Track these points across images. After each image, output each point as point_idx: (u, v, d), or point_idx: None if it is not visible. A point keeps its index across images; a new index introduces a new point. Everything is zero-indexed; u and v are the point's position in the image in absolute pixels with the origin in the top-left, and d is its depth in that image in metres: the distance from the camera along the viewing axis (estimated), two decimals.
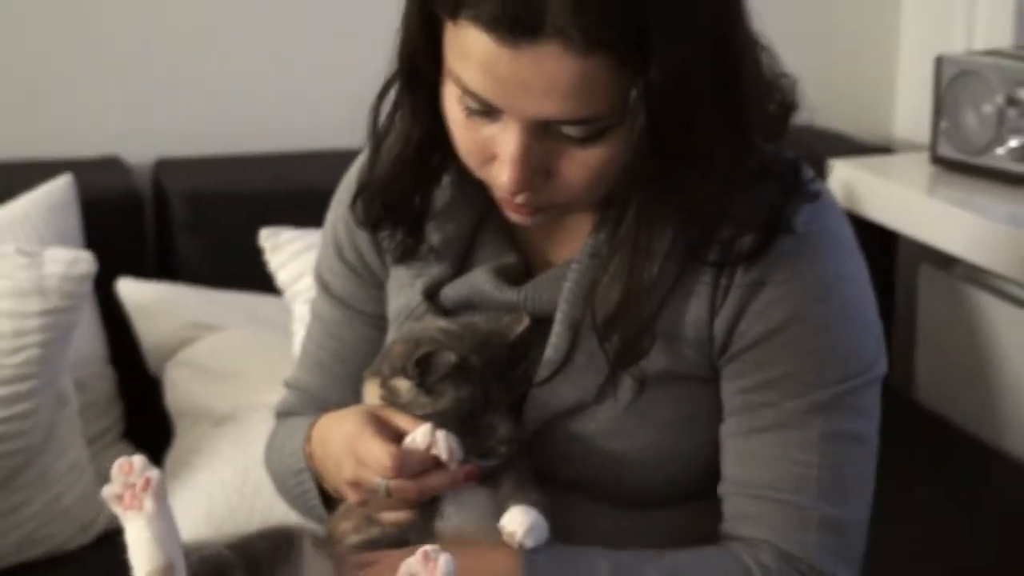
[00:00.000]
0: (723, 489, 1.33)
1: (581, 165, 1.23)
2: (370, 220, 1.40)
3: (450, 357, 1.25)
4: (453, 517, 1.28)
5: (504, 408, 1.28)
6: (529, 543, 1.25)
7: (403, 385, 1.28)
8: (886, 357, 1.34)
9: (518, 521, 1.25)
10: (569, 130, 1.21)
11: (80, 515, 2.12)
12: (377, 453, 1.25)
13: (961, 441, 2.50)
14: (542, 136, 1.21)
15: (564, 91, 1.17)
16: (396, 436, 1.26)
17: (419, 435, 1.25)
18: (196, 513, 2.09)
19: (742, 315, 1.29)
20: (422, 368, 1.26)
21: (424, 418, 1.26)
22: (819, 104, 1.28)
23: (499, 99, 1.20)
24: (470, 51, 1.19)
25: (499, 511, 1.27)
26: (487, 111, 1.22)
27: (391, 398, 1.29)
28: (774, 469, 1.29)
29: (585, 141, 1.21)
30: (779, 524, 1.29)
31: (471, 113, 1.23)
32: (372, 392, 1.32)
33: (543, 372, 1.31)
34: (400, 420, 1.28)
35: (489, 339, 1.29)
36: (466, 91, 1.21)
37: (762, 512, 1.30)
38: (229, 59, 2.54)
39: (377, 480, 1.25)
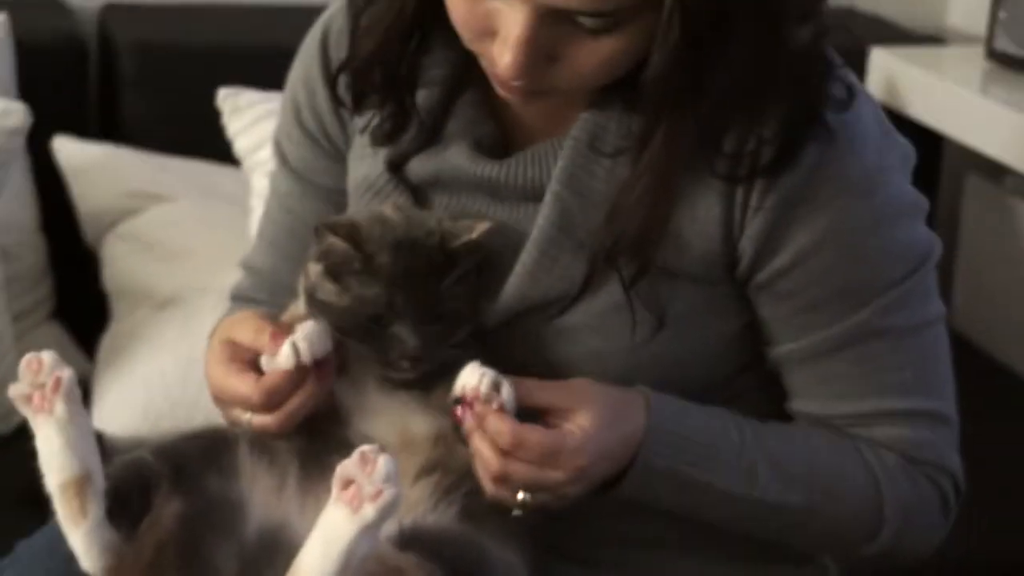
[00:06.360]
0: (815, 413, 1.38)
1: (591, 54, 1.23)
2: (355, 98, 1.40)
3: (336, 242, 1.28)
4: (360, 426, 1.29)
5: (413, 322, 1.28)
6: (503, 396, 1.24)
7: (313, 268, 1.31)
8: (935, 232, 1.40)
9: (478, 375, 1.24)
10: (585, 20, 1.21)
11: None
12: (243, 390, 1.27)
13: (1003, 376, 2.51)
14: (552, 21, 1.21)
15: None
16: (254, 358, 1.30)
17: (282, 359, 1.26)
18: (131, 406, 2.10)
19: (776, 231, 1.31)
20: (322, 250, 1.30)
21: (324, 312, 1.28)
22: None
23: None
24: None
25: (416, 415, 1.29)
26: None
27: (304, 282, 1.33)
28: (868, 387, 1.36)
29: (599, 31, 1.22)
30: (893, 431, 1.37)
31: None
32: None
33: (526, 257, 1.32)
34: (242, 336, 1.30)
35: (424, 240, 1.30)
36: None
37: (871, 425, 1.37)
38: None
39: (244, 417, 1.29)
